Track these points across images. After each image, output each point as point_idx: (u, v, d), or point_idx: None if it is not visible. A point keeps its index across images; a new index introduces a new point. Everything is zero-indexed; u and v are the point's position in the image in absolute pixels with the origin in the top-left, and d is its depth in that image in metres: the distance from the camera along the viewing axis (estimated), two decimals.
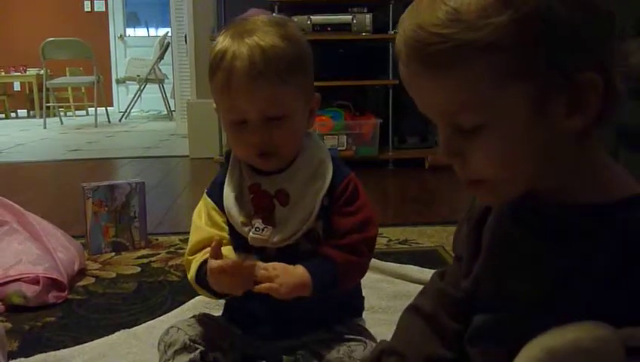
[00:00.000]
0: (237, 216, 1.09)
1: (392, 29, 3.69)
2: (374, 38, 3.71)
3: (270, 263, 1.02)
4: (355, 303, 1.20)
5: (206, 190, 1.16)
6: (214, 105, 1.10)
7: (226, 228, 1.11)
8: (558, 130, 0.63)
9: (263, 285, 0.99)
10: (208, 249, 1.06)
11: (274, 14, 3.81)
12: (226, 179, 1.12)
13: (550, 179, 0.68)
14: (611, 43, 0.63)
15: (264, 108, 1.02)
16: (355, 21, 3.68)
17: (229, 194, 1.10)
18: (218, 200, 1.12)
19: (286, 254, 1.07)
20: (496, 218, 0.76)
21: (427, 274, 1.63)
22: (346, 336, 1.10)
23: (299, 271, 1.02)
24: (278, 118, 1.04)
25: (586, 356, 0.54)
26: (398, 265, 1.71)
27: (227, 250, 1.07)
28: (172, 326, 1.13)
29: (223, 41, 1.04)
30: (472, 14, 0.60)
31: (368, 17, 3.68)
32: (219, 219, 1.11)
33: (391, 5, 3.66)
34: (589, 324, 0.56)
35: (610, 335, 0.55)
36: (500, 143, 0.64)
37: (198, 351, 1.06)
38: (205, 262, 1.04)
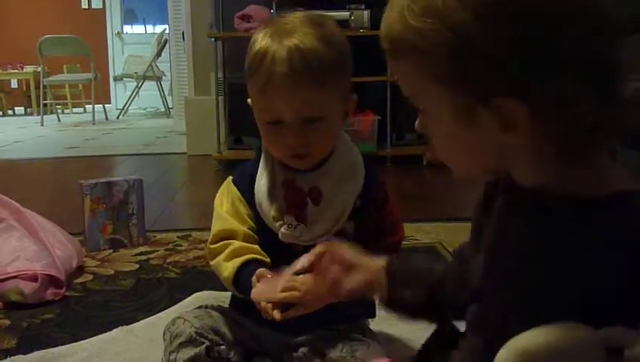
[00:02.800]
0: (268, 211, 1.09)
1: None
2: (372, 35, 3.71)
3: (299, 278, 0.99)
4: (369, 304, 1.20)
5: (232, 178, 1.15)
6: (249, 100, 1.10)
7: (249, 221, 1.11)
8: (499, 140, 0.63)
9: (293, 309, 0.98)
10: (235, 243, 1.07)
11: (272, 11, 3.81)
12: (258, 172, 1.12)
13: (527, 174, 0.66)
14: (545, 72, 0.59)
15: (301, 110, 1.03)
16: (352, 17, 3.67)
17: (261, 188, 1.10)
18: (246, 192, 1.11)
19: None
20: (496, 209, 0.76)
21: None
22: (350, 335, 1.10)
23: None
24: (315, 120, 1.04)
25: (561, 357, 0.54)
26: None
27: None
28: (179, 317, 1.12)
29: (262, 40, 1.04)
30: (414, 15, 0.62)
31: (366, 14, 3.68)
32: (243, 210, 1.11)
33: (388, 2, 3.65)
34: (563, 325, 0.55)
35: (586, 337, 0.54)
36: (435, 132, 0.70)
37: (203, 346, 1.06)
38: (243, 265, 1.05)
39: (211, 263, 1.12)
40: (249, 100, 1.10)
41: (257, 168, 1.12)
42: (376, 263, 0.90)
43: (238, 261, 1.06)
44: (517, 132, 0.61)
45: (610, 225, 0.61)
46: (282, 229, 1.07)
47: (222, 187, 1.15)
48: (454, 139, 0.67)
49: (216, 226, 1.11)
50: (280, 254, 1.07)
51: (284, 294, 0.98)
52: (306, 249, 1.06)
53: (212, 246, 1.11)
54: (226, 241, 1.09)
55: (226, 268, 1.07)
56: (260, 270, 1.01)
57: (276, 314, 0.97)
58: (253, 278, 1.01)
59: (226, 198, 1.13)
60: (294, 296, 0.98)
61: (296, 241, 1.07)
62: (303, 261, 0.96)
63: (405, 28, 0.62)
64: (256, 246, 1.08)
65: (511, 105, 0.60)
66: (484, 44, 0.59)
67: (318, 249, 0.94)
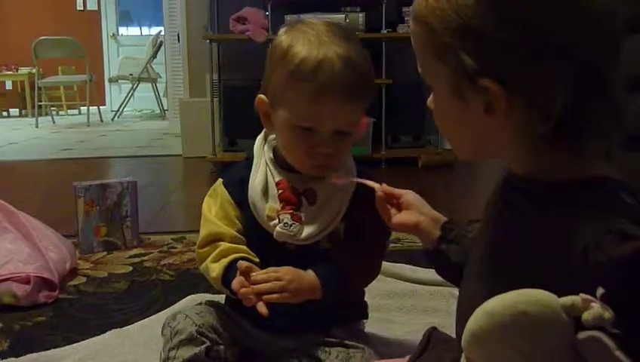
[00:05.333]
0: (263, 210, 1.09)
1: (385, 29, 3.69)
2: (367, 38, 3.72)
3: (282, 268, 1.03)
4: (360, 306, 1.22)
5: (222, 181, 1.15)
6: (262, 97, 1.09)
7: (237, 223, 1.12)
8: (485, 122, 0.68)
9: (274, 295, 1.01)
10: (222, 245, 1.09)
11: (267, 13, 3.80)
12: (252, 173, 1.12)
13: (514, 161, 0.71)
14: (538, 65, 0.63)
15: (341, 123, 1.05)
16: (347, 20, 3.67)
17: (255, 188, 1.10)
18: (236, 194, 1.12)
19: (305, 251, 1.09)
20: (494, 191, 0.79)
21: (420, 272, 1.63)
22: (346, 342, 1.10)
23: (309, 277, 1.04)
24: (345, 133, 1.06)
25: (525, 319, 0.55)
26: (392, 264, 1.71)
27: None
28: (180, 312, 1.12)
29: (309, 48, 1.02)
30: None
31: (361, 16, 3.68)
32: (232, 212, 1.12)
33: (383, 5, 3.66)
34: (528, 290, 0.57)
35: (548, 300, 0.56)
36: (437, 109, 0.75)
37: (204, 346, 1.06)
38: (231, 265, 1.06)
39: (200, 267, 1.13)
40: (262, 97, 1.09)
41: (249, 170, 1.13)
42: (434, 214, 0.97)
43: (225, 261, 1.07)
44: (498, 115, 0.66)
45: (584, 206, 0.64)
46: (277, 228, 1.07)
47: (210, 190, 1.15)
48: (450, 117, 0.73)
49: (204, 231, 1.12)
50: (271, 254, 1.09)
51: (269, 284, 1.00)
52: (299, 248, 1.08)
53: (200, 250, 1.12)
54: (213, 244, 1.10)
55: (214, 269, 1.08)
56: (241, 261, 1.03)
57: (254, 300, 0.99)
58: (237, 273, 1.02)
59: (214, 202, 1.13)
60: (278, 285, 1.01)
61: (291, 240, 1.08)
62: (372, 183, 1.03)
63: (425, 6, 0.69)
64: (244, 247, 1.09)
65: (493, 88, 0.65)
66: (479, 26, 0.64)
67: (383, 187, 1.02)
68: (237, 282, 1.01)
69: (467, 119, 0.70)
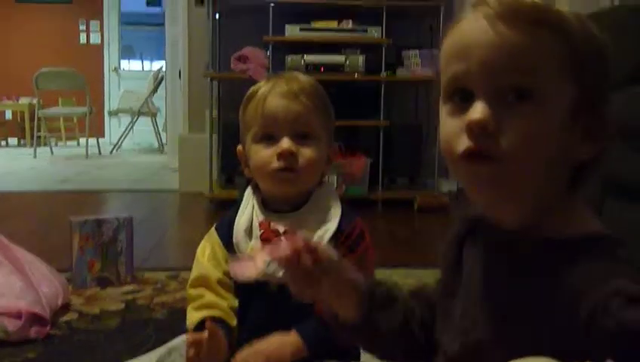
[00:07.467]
0: (245, 250, 1.13)
1: (384, 71, 3.74)
2: (366, 80, 3.76)
3: (264, 342, 1.08)
4: (352, 351, 1.20)
5: (215, 225, 1.22)
6: (239, 147, 1.20)
7: (225, 265, 1.16)
8: (570, 152, 0.67)
9: None
10: (208, 296, 1.14)
11: (268, 53, 3.84)
12: (238, 214, 1.18)
13: (535, 210, 0.69)
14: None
15: (296, 124, 1.12)
16: (347, 62, 3.72)
17: (239, 228, 1.16)
18: (225, 236, 1.18)
19: (288, 292, 1.09)
20: (482, 245, 0.76)
21: None
22: None
23: (292, 342, 1.08)
24: (305, 136, 1.13)
25: None
26: None
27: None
28: (175, 349, 1.17)
29: (258, 85, 1.17)
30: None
31: (361, 58, 3.73)
32: (220, 254, 1.17)
33: (383, 48, 3.71)
34: (543, 359, 0.56)
35: None
36: (539, 120, 0.65)
37: None
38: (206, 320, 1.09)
39: (187, 308, 1.18)
40: (239, 147, 1.19)
41: (237, 212, 1.18)
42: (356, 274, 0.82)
43: (200, 315, 1.12)
44: (592, 143, 0.67)
45: (587, 264, 0.63)
46: None
47: (207, 235, 1.22)
48: (553, 135, 0.66)
49: (194, 272, 1.18)
50: (255, 296, 1.12)
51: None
52: (281, 288, 1.09)
53: (189, 290, 1.18)
54: (201, 290, 1.15)
55: (191, 317, 1.14)
56: (194, 335, 1.05)
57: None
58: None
59: (208, 245, 1.20)
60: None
61: (270, 279, 1.09)
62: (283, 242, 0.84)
63: (559, 16, 0.66)
64: (226, 304, 1.14)
65: (607, 112, 0.67)
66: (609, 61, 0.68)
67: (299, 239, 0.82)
68: (192, 338, 1.05)
69: (559, 146, 0.67)
